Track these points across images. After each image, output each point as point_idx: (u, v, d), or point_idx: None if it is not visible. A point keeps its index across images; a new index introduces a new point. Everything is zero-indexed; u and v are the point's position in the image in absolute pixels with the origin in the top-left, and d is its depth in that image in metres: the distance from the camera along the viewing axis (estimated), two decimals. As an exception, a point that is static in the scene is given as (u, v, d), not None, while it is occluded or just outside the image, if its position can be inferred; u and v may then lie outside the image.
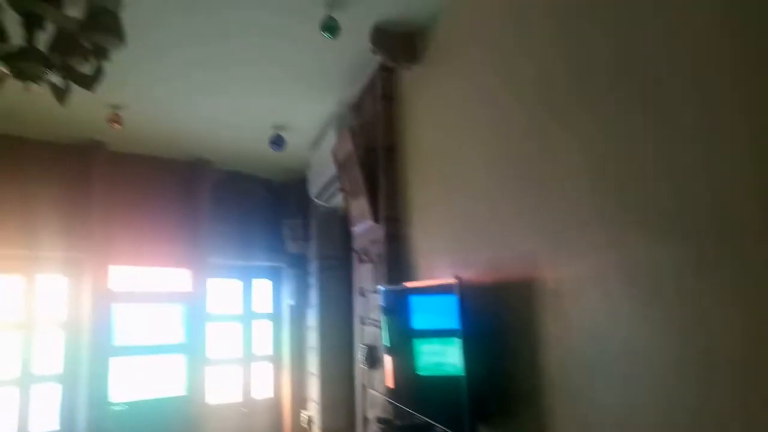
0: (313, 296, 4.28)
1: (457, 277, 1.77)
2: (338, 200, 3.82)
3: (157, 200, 4.19)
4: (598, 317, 1.37)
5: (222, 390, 4.53)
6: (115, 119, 3.20)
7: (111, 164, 3.94)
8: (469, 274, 1.92)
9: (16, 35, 1.98)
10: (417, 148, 2.49)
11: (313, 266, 4.29)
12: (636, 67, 1.27)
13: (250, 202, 4.64)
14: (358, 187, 2.81)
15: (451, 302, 1.78)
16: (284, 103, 3.31)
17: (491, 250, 1.84)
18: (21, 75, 1.94)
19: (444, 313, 1.89)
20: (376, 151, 2.74)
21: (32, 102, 2.82)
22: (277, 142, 3.61)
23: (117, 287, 3.98)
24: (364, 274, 2.90)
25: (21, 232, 3.57)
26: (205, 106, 3.33)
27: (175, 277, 4.27)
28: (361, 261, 2.98)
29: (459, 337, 1.73)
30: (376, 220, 2.68)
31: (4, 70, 1.96)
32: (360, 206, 2.85)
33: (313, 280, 4.30)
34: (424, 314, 2.17)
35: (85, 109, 3.14)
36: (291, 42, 2.58)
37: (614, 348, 1.32)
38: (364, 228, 2.87)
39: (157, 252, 4.13)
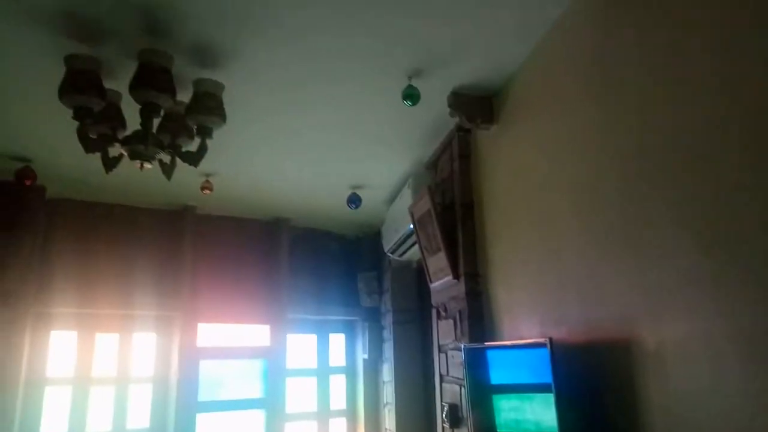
0: (388, 350, 4.30)
1: (546, 336, 1.77)
2: (412, 255, 3.89)
3: (240, 259, 4.40)
4: (705, 383, 1.33)
5: (300, 445, 4.56)
6: (207, 186, 3.45)
7: (199, 226, 4.21)
8: (559, 333, 1.90)
9: (131, 120, 2.24)
10: (497, 205, 2.54)
11: (388, 320, 4.33)
12: (742, 118, 1.26)
13: (325, 258, 4.79)
14: (436, 244, 2.86)
15: (542, 357, 1.78)
16: (361, 165, 3.46)
17: (584, 308, 1.83)
18: (137, 156, 2.16)
19: (534, 369, 1.88)
20: (454, 208, 2.80)
21: (137, 175, 3.09)
22: (354, 201, 3.75)
23: (203, 344, 4.16)
24: (444, 331, 2.92)
25: (121, 293, 3.84)
26: (287, 170, 3.54)
27: (256, 332, 4.43)
28: (440, 317, 3.00)
29: (551, 392, 1.72)
30: (456, 276, 2.71)
31: (124, 152, 2.20)
32: (438, 262, 2.89)
33: (387, 334, 4.34)
34: (511, 370, 2.16)
35: (180, 178, 3.39)
36: (371, 110, 2.73)
37: (723, 417, 1.27)
38: (443, 284, 2.90)
39: (239, 309, 4.31)
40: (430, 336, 3.61)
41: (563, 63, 2.04)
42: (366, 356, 4.59)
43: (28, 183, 3.24)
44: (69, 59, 2.04)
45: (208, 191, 3.50)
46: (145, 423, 3.99)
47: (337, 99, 2.63)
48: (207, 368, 4.21)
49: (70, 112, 2.10)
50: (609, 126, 1.75)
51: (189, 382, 4.01)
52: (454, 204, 2.81)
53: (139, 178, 3.38)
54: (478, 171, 2.72)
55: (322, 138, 3.07)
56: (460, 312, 2.67)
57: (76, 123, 2.15)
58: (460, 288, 2.68)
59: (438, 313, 3.03)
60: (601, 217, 1.77)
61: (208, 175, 3.46)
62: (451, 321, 2.81)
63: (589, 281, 1.81)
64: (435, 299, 3.10)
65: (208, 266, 4.23)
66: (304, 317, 4.65)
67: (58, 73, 2.10)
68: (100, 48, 2.14)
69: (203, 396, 4.15)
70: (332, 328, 4.89)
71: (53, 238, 3.72)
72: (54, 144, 3.01)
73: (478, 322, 2.58)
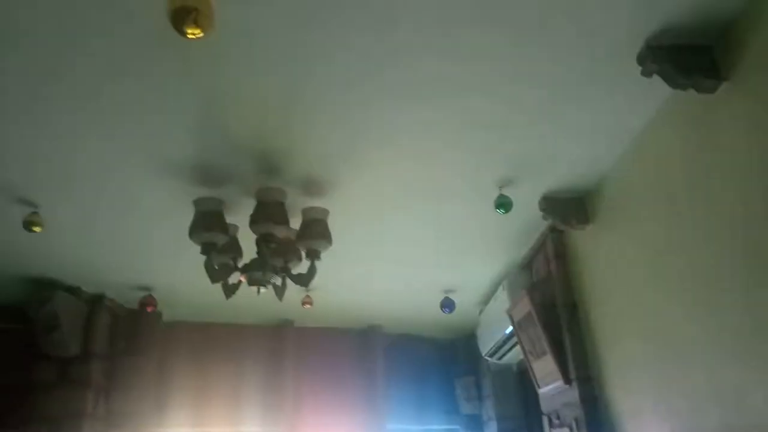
0: (496, 462, 4.06)
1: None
2: (512, 358, 3.79)
3: (337, 369, 4.45)
4: None
5: None
6: (308, 301, 3.61)
7: (297, 340, 4.35)
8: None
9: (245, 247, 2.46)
10: (602, 304, 2.48)
11: (492, 428, 4.14)
12: None
13: (420, 363, 4.73)
14: (541, 347, 2.80)
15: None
16: (453, 270, 3.52)
17: (721, 414, 1.71)
18: (255, 282, 2.34)
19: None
20: (556, 309, 2.76)
21: (244, 295, 3.31)
22: (448, 305, 3.77)
23: (307, 459, 4.14)
24: (560, 440, 2.76)
25: (230, 411, 3.97)
26: (379, 280, 3.65)
27: (358, 446, 4.35)
28: (552, 425, 2.85)
29: None
30: (567, 381, 2.61)
31: (243, 279, 2.39)
32: (545, 366, 2.81)
33: (493, 444, 4.12)
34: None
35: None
36: (461, 219, 2.84)
37: None
38: (553, 389, 2.79)
39: (339, 421, 4.28)
40: (540, 445, 3.41)
41: (664, 158, 2.02)
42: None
43: (150, 309, 3.54)
44: (197, 202, 2.32)
45: (308, 305, 3.66)
46: None
47: (427, 213, 2.76)
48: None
49: (188, 246, 2.37)
50: (714, 221, 1.73)
51: (294, 501, 3.95)
52: (556, 305, 2.78)
53: (246, 298, 3.62)
54: (577, 270, 2.70)
55: (413, 249, 3.19)
56: (576, 420, 2.53)
57: (191, 254, 2.41)
58: (573, 393, 2.57)
59: (550, 420, 2.89)
60: (725, 312, 1.70)
61: (308, 290, 3.64)
62: (566, 429, 2.67)
63: (722, 382, 1.71)
64: (545, 406, 2.96)
65: (307, 378, 4.29)
66: (404, 427, 4.52)
67: (182, 213, 2.40)
68: (221, 190, 2.42)
69: None
70: (434, 437, 4.72)
71: (169, 359, 3.97)
72: (172, 273, 3.31)
73: (597, 430, 2.44)
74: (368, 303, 4.09)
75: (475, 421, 4.46)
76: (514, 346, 3.49)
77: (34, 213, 2.46)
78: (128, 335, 3.79)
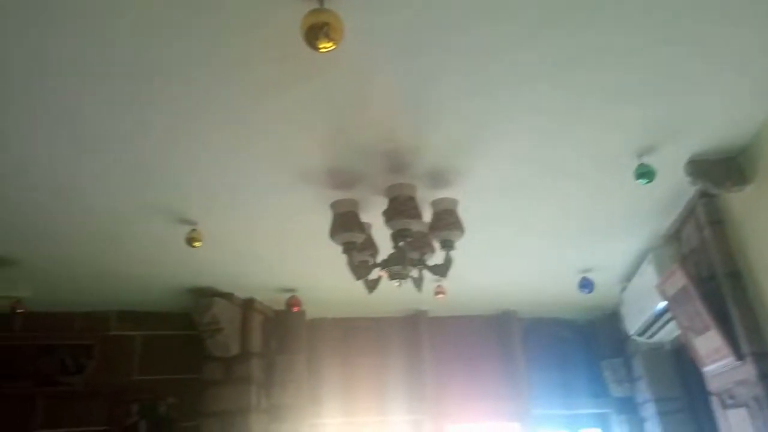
0: (657, 446, 3.83)
1: None
2: (664, 336, 3.54)
3: (474, 356, 4.46)
4: None
5: None
6: (441, 290, 3.65)
7: (433, 329, 4.42)
8: None
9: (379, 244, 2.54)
10: (773, 271, 2.23)
11: (649, 411, 3.90)
12: None
13: (560, 347, 4.59)
14: (702, 322, 2.58)
15: None
16: (590, 248, 3.36)
17: None
18: (395, 276, 2.41)
19: None
20: (716, 279, 2.53)
21: (380, 289, 3.42)
22: (587, 285, 3.61)
23: (456, 446, 4.20)
24: (736, 421, 2.53)
25: (375, 401, 4.14)
26: (512, 265, 3.59)
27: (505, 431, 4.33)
28: (726, 406, 2.62)
29: None
30: (739, 357, 2.38)
31: (383, 275, 2.48)
32: (709, 343, 2.58)
33: (652, 427, 3.88)
34: None
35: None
36: (599, 195, 2.69)
37: None
38: (721, 366, 2.56)
39: (483, 407, 4.29)
40: (706, 426, 3.16)
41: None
42: (630, 454, 4.14)
43: (295, 309, 3.79)
44: (334, 205, 2.43)
45: (442, 295, 3.69)
46: None
47: (561, 192, 2.66)
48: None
49: (325, 246, 2.50)
50: None
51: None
52: (715, 276, 2.54)
53: (381, 292, 3.74)
54: (738, 236, 2.45)
55: (547, 231, 3.09)
56: (756, 399, 2.31)
57: (328, 255, 2.57)
58: (748, 370, 2.34)
59: (722, 401, 2.66)
60: None
61: (440, 280, 3.67)
62: (742, 410, 2.44)
63: None
64: (714, 385, 2.73)
65: (446, 366, 4.35)
66: (551, 412, 4.42)
67: (320, 216, 2.53)
68: (354, 191, 2.52)
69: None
70: (584, 422, 4.54)
71: (316, 355, 4.23)
72: (314, 273, 3.51)
73: (783, 409, 2.20)
74: (501, 288, 4.04)
75: (628, 403, 4.24)
76: (666, 323, 3.25)
77: (194, 230, 2.74)
78: (278, 334, 4.10)
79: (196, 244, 2.74)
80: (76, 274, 3.32)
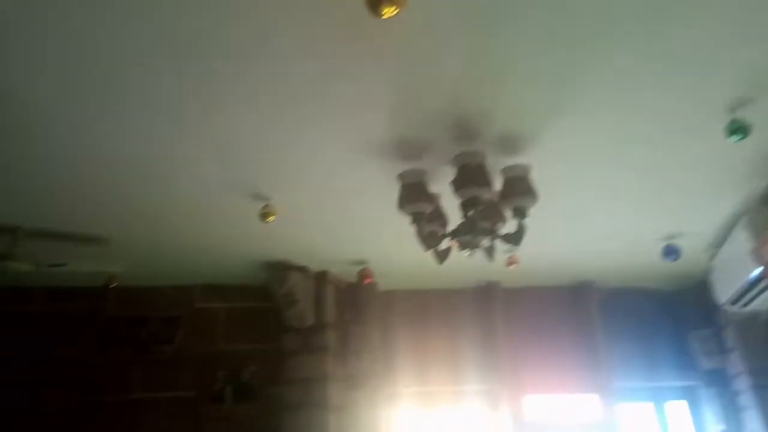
0: (751, 421, 3.60)
1: None
2: (760, 304, 3.29)
3: (550, 327, 4.35)
4: None
5: None
6: (513, 260, 3.57)
7: (506, 300, 4.35)
8: None
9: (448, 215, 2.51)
10: None
11: (743, 383, 3.67)
12: None
13: (643, 317, 4.39)
14: (805, 290, 2.37)
15: None
16: (674, 214, 3.16)
17: None
18: (466, 246, 2.38)
19: None
20: (822, 244, 2.31)
21: (450, 260, 3.40)
22: (672, 252, 3.40)
23: (532, 417, 4.14)
24: None
25: (449, 370, 4.16)
26: (589, 233, 3.44)
27: (584, 403, 4.22)
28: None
29: None
30: None
31: (453, 245, 2.45)
32: (813, 312, 2.38)
33: (746, 401, 3.65)
34: None
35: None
36: (684, 158, 2.52)
37: None
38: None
39: (562, 379, 4.20)
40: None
41: None
42: (724, 428, 3.91)
43: (367, 281, 3.84)
44: (402, 176, 2.42)
45: (514, 265, 3.61)
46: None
47: (642, 158, 2.51)
48: (538, 443, 4.15)
49: (394, 218, 2.49)
50: None
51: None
52: (821, 239, 2.32)
53: (451, 262, 3.71)
54: None
55: (627, 195, 2.93)
56: None
57: (398, 226, 2.56)
58: None
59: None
60: None
61: (512, 249, 3.59)
62: None
63: None
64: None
65: (521, 338, 4.28)
66: (634, 384, 4.26)
67: (388, 188, 2.52)
68: (421, 161, 2.48)
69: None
70: (669, 395, 4.35)
71: (390, 326, 4.28)
72: (386, 245, 3.53)
73: None
74: (578, 258, 3.90)
75: (719, 376, 4.00)
76: (762, 291, 3.03)
77: (267, 205, 2.82)
78: (351, 306, 4.18)
79: (270, 219, 2.81)
80: (163, 250, 3.53)
